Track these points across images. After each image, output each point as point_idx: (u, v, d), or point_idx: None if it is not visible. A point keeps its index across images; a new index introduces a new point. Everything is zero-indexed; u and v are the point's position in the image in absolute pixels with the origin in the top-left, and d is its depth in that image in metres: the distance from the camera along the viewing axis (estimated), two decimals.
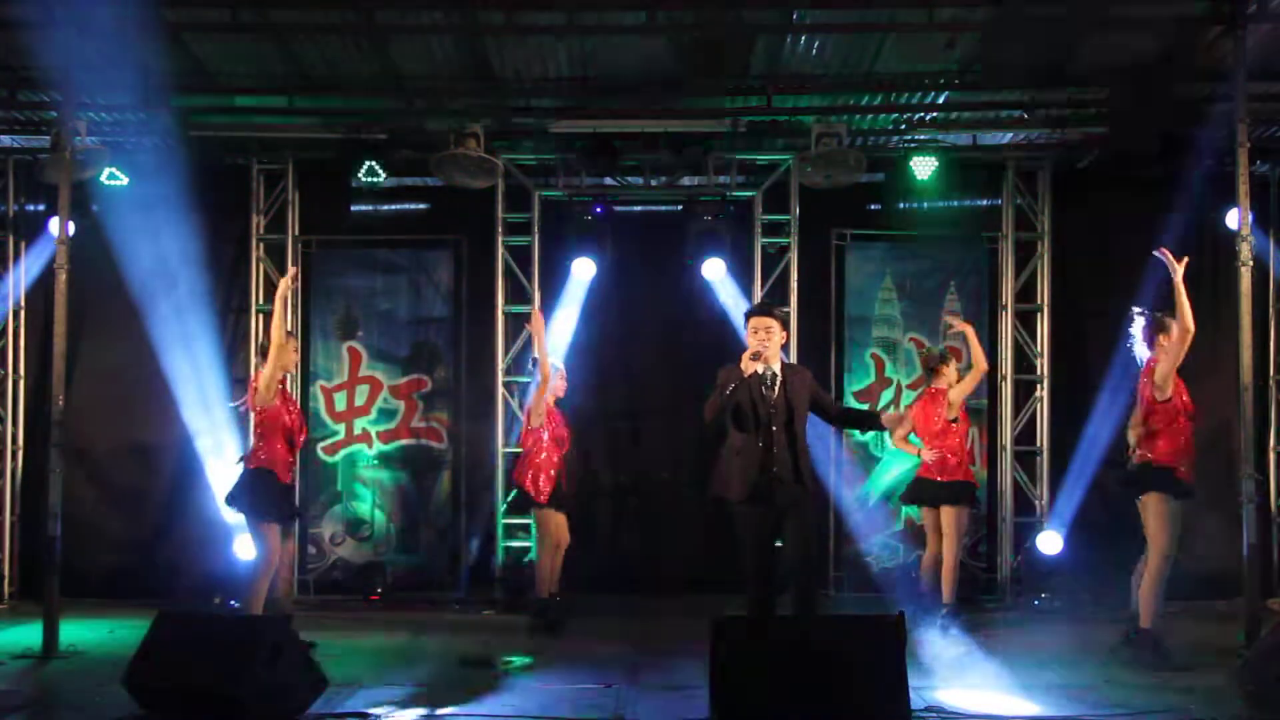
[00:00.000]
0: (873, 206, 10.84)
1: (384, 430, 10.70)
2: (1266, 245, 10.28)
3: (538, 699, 6.49)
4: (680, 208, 10.49)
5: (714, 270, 10.28)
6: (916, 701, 5.95)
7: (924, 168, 9.88)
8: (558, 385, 9.01)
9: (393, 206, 10.96)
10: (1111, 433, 9.45)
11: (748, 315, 6.80)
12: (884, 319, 10.73)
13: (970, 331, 8.62)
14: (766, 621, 6.38)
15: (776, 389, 6.53)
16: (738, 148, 10.13)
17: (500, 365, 10.38)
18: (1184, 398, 7.39)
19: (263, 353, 7.86)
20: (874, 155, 10.15)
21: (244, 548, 9.90)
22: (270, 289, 10.57)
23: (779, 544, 6.60)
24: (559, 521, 8.87)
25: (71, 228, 8.40)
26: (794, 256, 10.26)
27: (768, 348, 6.53)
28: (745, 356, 6.44)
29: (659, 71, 9.19)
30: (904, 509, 10.17)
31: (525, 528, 10.22)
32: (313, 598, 10.24)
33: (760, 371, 6.52)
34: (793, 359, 10.00)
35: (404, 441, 10.70)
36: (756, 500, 6.45)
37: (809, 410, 6.67)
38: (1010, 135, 10.26)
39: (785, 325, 6.90)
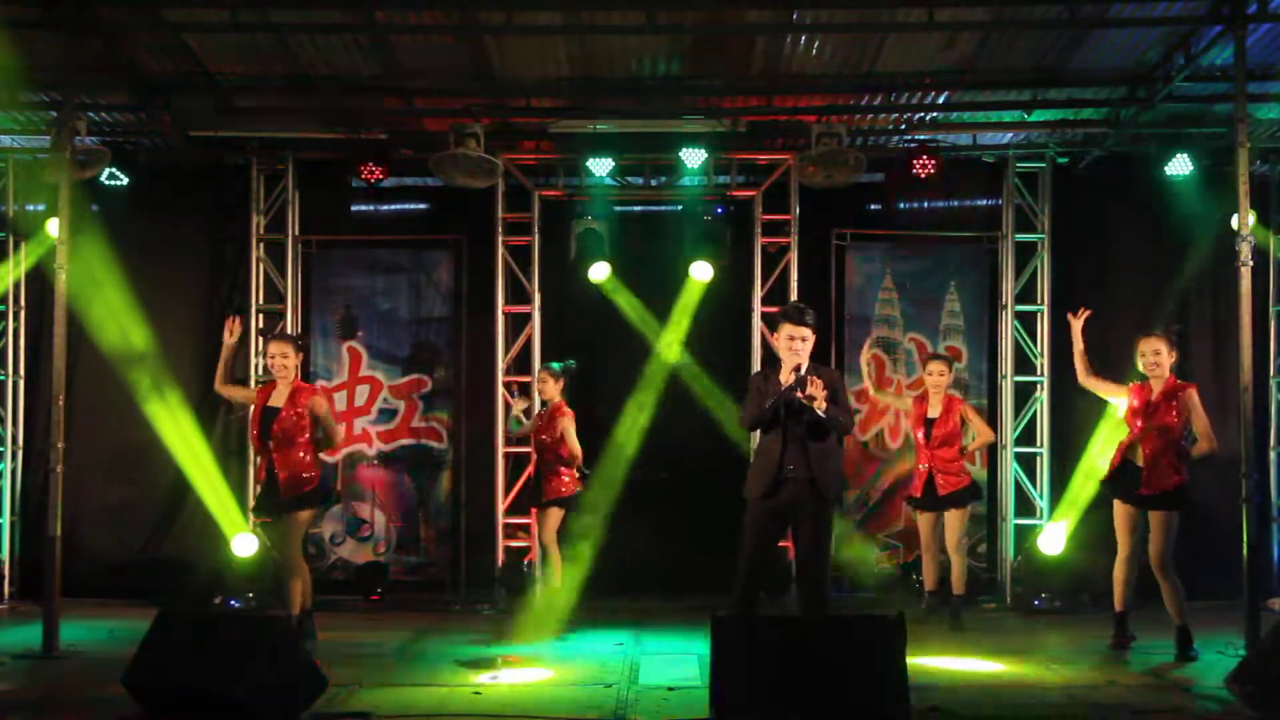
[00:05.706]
0: (873, 206, 10.86)
1: (384, 430, 10.69)
2: (1267, 245, 10.28)
3: (538, 697, 6.49)
4: (680, 208, 10.49)
5: (705, 271, 10.29)
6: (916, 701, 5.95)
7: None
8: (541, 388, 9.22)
9: (393, 206, 10.99)
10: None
11: (784, 319, 6.66)
12: (884, 319, 10.73)
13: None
14: (754, 616, 6.43)
15: (797, 390, 6.49)
16: (738, 148, 10.13)
17: (500, 365, 10.37)
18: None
19: None
20: (874, 155, 10.16)
21: (243, 546, 9.92)
22: (270, 289, 10.57)
23: (783, 544, 6.59)
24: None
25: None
26: (794, 256, 10.26)
27: (802, 358, 6.53)
28: (787, 370, 6.48)
29: (659, 71, 9.19)
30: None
31: (525, 528, 10.22)
32: (313, 598, 10.20)
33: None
34: None
35: (404, 441, 10.69)
36: (769, 498, 6.50)
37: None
38: (1010, 135, 10.27)
39: (816, 330, 6.73)
